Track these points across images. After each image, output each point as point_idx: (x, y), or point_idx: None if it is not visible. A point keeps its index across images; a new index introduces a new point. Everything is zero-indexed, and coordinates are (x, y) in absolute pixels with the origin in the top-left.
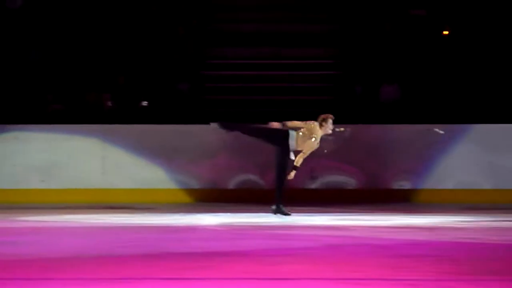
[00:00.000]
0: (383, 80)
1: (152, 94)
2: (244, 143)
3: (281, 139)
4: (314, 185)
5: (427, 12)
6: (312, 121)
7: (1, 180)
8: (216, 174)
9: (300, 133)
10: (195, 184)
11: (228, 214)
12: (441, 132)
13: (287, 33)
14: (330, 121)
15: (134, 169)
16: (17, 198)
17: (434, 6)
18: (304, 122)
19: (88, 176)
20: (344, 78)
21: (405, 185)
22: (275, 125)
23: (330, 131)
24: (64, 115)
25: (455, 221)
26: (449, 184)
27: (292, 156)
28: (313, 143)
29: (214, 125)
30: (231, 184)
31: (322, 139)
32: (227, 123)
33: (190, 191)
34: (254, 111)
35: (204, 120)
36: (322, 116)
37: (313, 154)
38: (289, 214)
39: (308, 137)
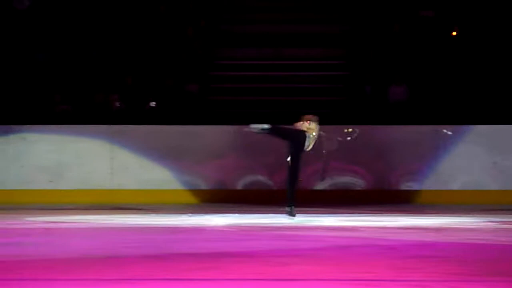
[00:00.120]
0: (391, 81)
1: (160, 94)
2: (252, 144)
3: (304, 139)
4: (321, 186)
5: (435, 13)
6: (302, 121)
7: (9, 180)
8: (224, 175)
9: (311, 135)
10: (202, 185)
11: (236, 215)
12: (450, 133)
13: (296, 34)
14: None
15: (142, 170)
16: (25, 199)
17: (443, 7)
18: (301, 123)
19: (96, 176)
20: (353, 79)
21: (413, 186)
22: (298, 125)
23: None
24: (72, 115)
25: (462, 222)
26: (456, 185)
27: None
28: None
29: (255, 127)
30: (239, 184)
31: (327, 138)
32: (275, 126)
33: (198, 192)
34: (263, 112)
35: (212, 121)
36: (307, 116)
37: (321, 155)
38: (294, 216)
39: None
